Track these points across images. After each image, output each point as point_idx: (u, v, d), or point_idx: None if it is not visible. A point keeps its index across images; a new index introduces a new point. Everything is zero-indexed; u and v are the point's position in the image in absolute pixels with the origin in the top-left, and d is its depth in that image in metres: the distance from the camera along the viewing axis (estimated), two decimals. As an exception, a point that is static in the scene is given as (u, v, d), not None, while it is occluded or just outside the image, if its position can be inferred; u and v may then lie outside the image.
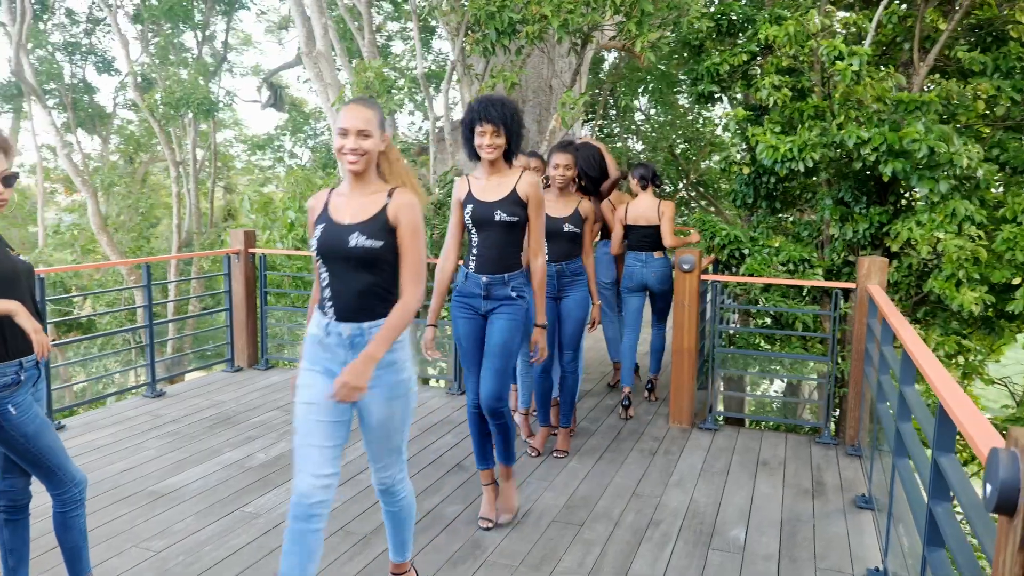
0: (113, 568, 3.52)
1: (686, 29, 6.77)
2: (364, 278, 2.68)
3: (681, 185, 17.53)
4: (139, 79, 14.17)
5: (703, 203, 17.75)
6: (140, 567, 3.53)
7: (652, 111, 16.89)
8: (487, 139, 3.59)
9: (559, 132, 6.98)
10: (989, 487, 1.51)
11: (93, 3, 13.73)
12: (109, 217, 14.21)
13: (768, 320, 7.47)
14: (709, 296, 5.86)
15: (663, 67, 14.08)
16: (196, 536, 3.82)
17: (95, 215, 13.50)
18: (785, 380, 9.64)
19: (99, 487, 4.41)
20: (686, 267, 5.39)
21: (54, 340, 13.62)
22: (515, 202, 3.66)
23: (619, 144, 17.03)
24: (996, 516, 1.55)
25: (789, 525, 4.03)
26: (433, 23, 12.68)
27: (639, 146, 17.57)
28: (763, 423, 7.23)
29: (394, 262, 2.70)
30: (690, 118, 16.37)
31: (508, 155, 3.70)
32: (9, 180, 2.80)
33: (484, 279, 3.74)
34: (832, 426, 5.34)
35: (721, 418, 5.91)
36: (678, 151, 17.10)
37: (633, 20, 6.13)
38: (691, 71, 7.01)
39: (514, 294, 3.72)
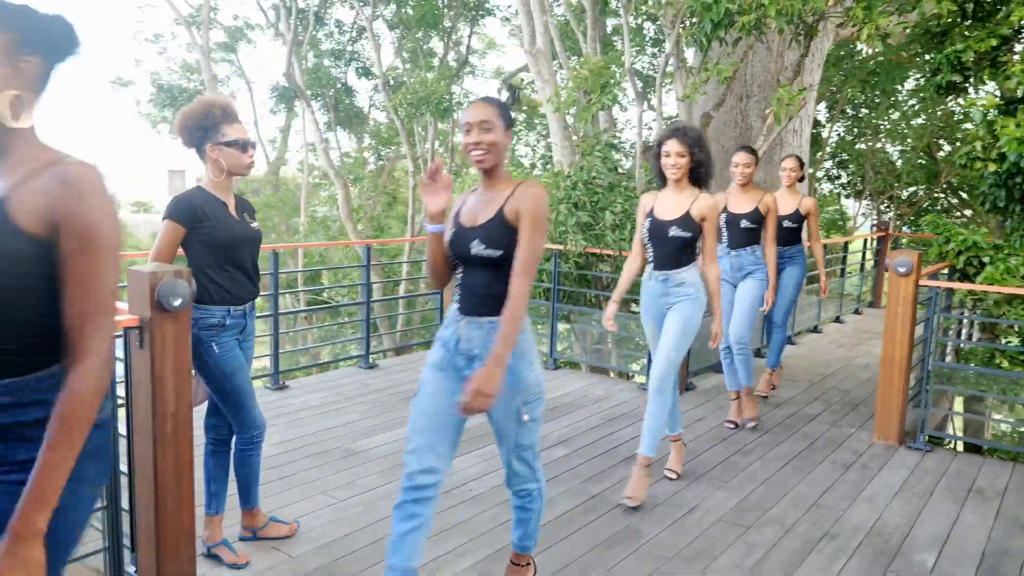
0: (300, 509, 3.90)
1: (925, 15, 6.13)
2: None
3: (939, 192, 15.96)
4: (390, 82, 15.47)
5: (967, 211, 16.04)
6: (322, 511, 3.88)
7: (908, 108, 15.44)
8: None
9: (775, 129, 6.65)
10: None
11: (359, 14, 15.14)
12: (356, 208, 15.66)
13: (1015, 339, 6.60)
14: (934, 306, 5.30)
15: (927, 57, 12.84)
16: (376, 491, 4.12)
17: (344, 205, 14.94)
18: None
19: (303, 440, 4.88)
20: (901, 270, 4.93)
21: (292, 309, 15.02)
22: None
23: (865, 145, 15.80)
24: None
25: (992, 558, 3.57)
26: (656, 21, 12.58)
27: (891, 147, 16.19)
28: (995, 450, 6.41)
29: None
30: (957, 118, 14.80)
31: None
32: (245, 146, 3.22)
33: None
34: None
35: (950, 442, 5.34)
36: (941, 153, 15.54)
37: (861, 5, 5.68)
38: (930, 60, 6.37)
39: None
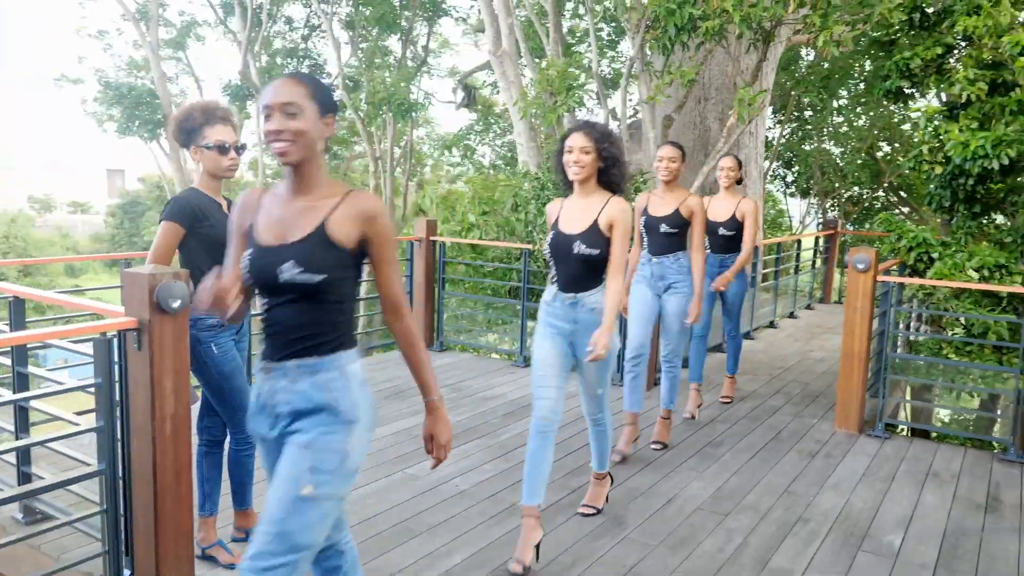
0: (290, 508, 3.94)
1: (876, 23, 6.43)
2: None
3: (880, 191, 16.57)
4: (348, 81, 15.44)
5: (905, 209, 16.69)
6: (313, 509, 3.93)
7: (852, 111, 16.06)
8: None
9: (736, 130, 6.89)
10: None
11: (311, 11, 15.04)
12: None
13: (960, 331, 6.96)
14: (890, 300, 5.58)
15: (865, 64, 13.43)
16: (362, 490, 4.18)
17: (302, 205, 14.80)
18: (974, 393, 8.94)
19: (285, 439, 4.91)
20: (860, 267, 5.18)
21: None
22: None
23: (812, 146, 16.34)
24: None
25: (952, 537, 3.81)
26: (621, 24, 12.90)
27: (836, 148, 16.78)
28: (945, 436, 6.77)
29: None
30: (895, 120, 15.47)
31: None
32: (239, 149, 3.28)
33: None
34: (1022, 444, 4.93)
35: (902, 429, 5.62)
36: (880, 154, 16.18)
37: (818, 13, 5.94)
38: (880, 67, 6.68)
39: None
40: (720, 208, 5.62)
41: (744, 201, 5.60)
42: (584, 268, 3.39)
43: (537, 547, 3.38)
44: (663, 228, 4.68)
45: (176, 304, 3.06)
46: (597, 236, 3.34)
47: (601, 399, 3.67)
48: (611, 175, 3.41)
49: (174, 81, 17.78)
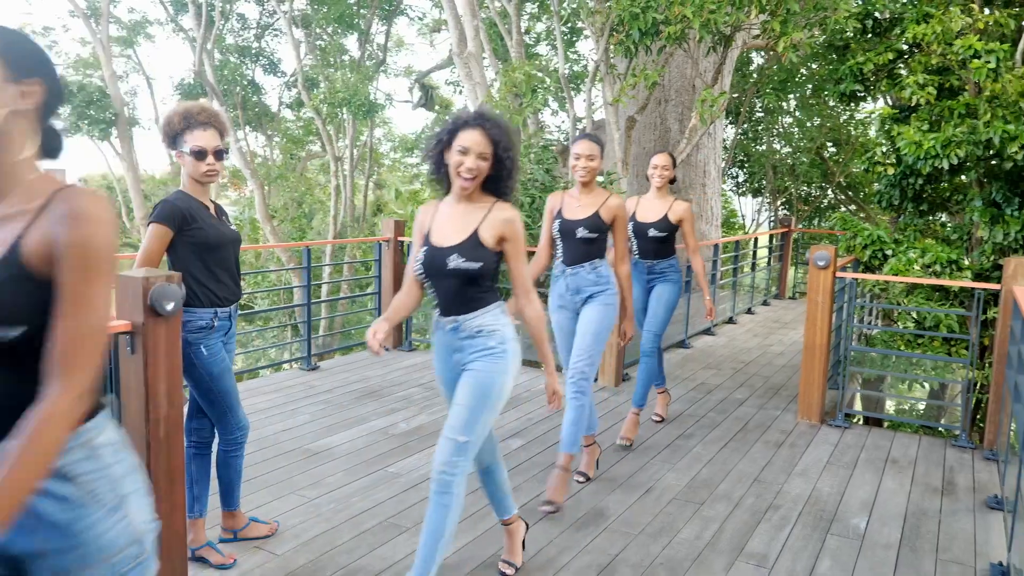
0: (274, 509, 3.99)
1: (831, 29, 6.71)
2: None
3: (829, 190, 17.09)
4: (304, 80, 15.39)
5: (851, 207, 17.24)
6: (296, 510, 3.98)
7: (799, 113, 16.58)
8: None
9: (698, 130, 7.09)
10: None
11: (263, 10, 14.92)
12: (273, 208, 15.54)
13: (911, 324, 7.29)
14: (846, 295, 5.83)
15: (813, 67, 13.88)
16: (345, 488, 4.25)
17: (261, 205, 14.77)
18: (926, 384, 9.35)
19: (262, 443, 4.94)
20: (821, 263, 5.40)
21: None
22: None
23: (763, 147, 16.79)
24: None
25: (913, 519, 4.03)
26: (580, 24, 13.11)
27: (785, 148, 17.27)
28: (900, 424, 7.08)
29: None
30: (843, 120, 15.99)
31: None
32: (220, 154, 3.31)
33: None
34: (971, 430, 5.23)
35: (857, 418, 5.85)
36: (827, 154, 16.71)
37: (778, 19, 6.17)
38: (834, 71, 6.97)
39: None
40: (650, 208, 5.09)
41: (678, 203, 5.07)
42: (461, 285, 2.83)
43: (523, 541, 3.47)
44: (580, 233, 4.11)
45: (170, 307, 3.08)
46: (478, 248, 2.79)
47: (460, 452, 2.82)
48: (506, 187, 2.87)
49: (124, 79, 17.47)
